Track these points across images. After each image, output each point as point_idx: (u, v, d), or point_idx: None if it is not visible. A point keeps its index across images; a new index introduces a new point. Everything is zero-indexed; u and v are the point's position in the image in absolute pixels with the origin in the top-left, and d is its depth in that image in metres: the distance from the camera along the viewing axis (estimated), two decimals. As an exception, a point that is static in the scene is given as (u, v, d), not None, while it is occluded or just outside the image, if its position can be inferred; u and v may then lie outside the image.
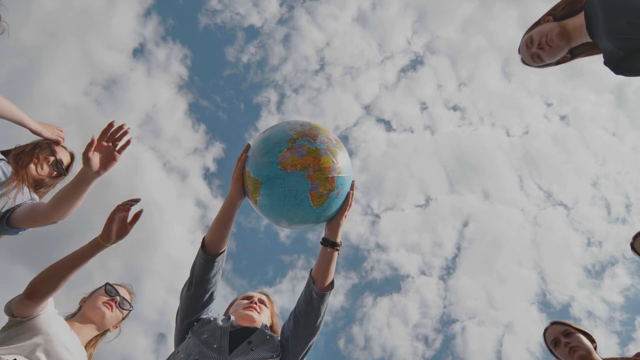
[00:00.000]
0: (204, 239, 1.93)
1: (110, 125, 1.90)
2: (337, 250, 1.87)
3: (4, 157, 2.29)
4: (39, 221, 2.18)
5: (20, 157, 2.32)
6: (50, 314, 1.94)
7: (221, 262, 1.94)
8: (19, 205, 2.21)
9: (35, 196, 2.35)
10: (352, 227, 15.85)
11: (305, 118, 1.94)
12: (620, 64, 1.88)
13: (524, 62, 2.25)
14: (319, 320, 1.88)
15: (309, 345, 1.91)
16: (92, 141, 1.86)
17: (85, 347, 2.06)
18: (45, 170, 2.39)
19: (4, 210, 2.17)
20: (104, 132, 1.90)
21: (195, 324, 1.93)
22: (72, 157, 2.53)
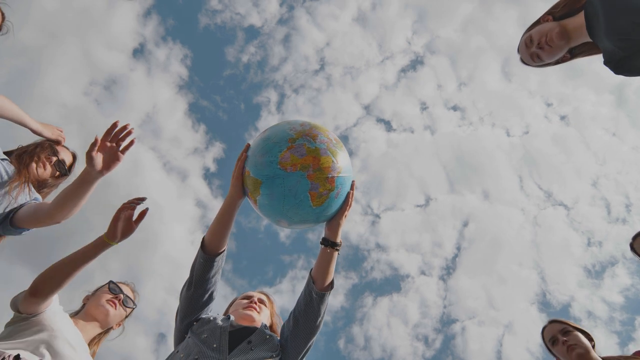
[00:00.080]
0: (203, 238, 1.93)
1: (114, 125, 1.90)
2: (337, 250, 1.87)
3: (6, 157, 2.29)
4: (43, 221, 2.18)
5: (22, 157, 2.33)
6: (56, 310, 1.95)
7: (221, 262, 1.94)
8: (22, 206, 2.22)
9: (39, 196, 2.35)
10: (352, 227, 15.85)
11: (305, 118, 1.94)
12: (621, 64, 1.87)
13: (523, 61, 2.24)
14: (318, 320, 1.89)
15: (309, 345, 1.91)
16: (96, 141, 1.86)
17: (89, 344, 2.07)
18: (48, 170, 2.39)
19: (7, 210, 2.18)
20: (108, 132, 1.90)
21: (194, 323, 1.94)
22: (74, 157, 2.54)
